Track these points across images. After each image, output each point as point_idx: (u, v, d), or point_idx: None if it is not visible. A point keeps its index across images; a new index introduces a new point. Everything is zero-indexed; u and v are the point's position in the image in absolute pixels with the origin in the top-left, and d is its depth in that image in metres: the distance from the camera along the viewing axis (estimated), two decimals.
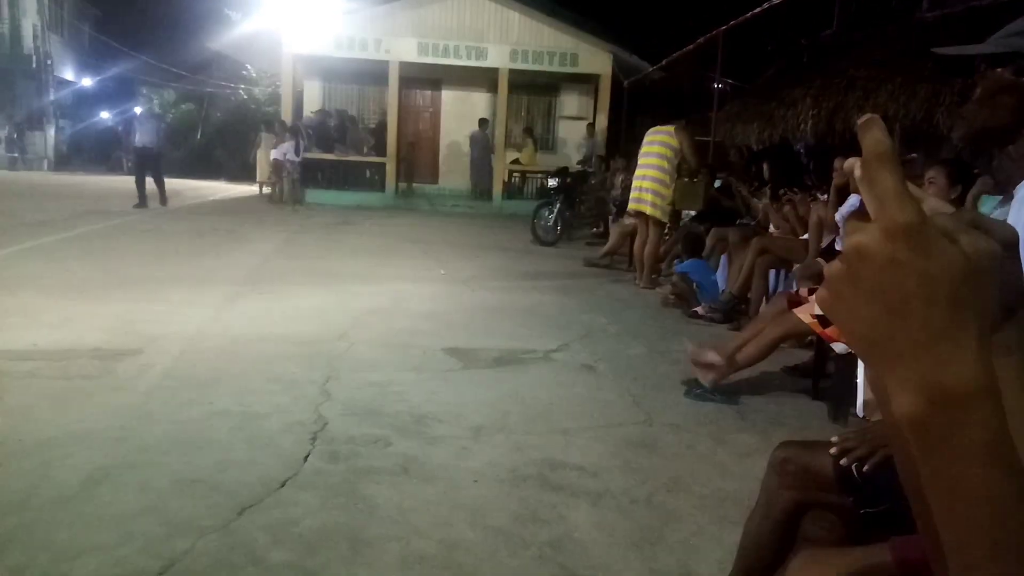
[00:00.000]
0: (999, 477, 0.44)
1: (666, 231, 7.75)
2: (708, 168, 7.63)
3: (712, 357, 3.83)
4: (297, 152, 14.65)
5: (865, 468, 1.51)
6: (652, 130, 7.37)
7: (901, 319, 0.44)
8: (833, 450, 1.57)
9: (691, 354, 3.89)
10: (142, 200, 12.53)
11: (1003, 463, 0.44)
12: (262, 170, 16.72)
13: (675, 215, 7.86)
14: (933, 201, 0.52)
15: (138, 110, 24.66)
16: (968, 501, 0.45)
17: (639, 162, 7.37)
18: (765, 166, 5.60)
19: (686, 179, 7.30)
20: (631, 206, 7.46)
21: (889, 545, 1.18)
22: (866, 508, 1.51)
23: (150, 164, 12.82)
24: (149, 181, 12.67)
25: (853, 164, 0.49)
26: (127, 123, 13.85)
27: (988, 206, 3.87)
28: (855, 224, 0.47)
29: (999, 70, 1.44)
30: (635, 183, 7.36)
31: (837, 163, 5.25)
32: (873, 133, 0.46)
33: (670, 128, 7.19)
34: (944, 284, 0.43)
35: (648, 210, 7.16)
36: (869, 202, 0.46)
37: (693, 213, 7.79)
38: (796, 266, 5.24)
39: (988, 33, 1.50)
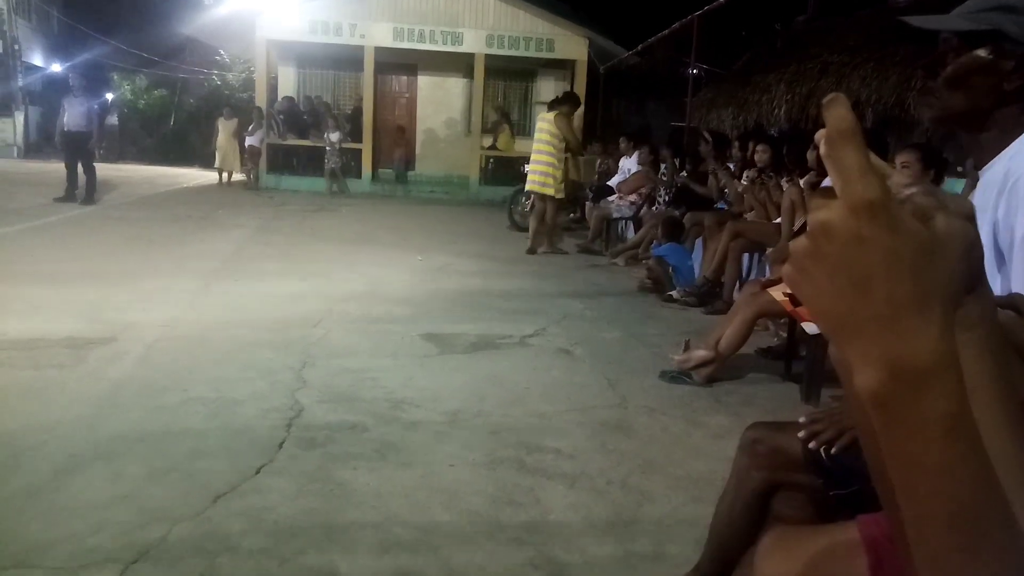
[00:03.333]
0: (959, 450, 0.45)
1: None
2: (654, 152, 8.77)
3: (700, 355, 3.86)
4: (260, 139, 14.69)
5: (833, 450, 1.53)
6: (539, 117, 8.41)
7: (864, 295, 0.44)
8: (801, 433, 1.59)
9: (679, 363, 3.90)
10: (68, 191, 11.00)
11: (963, 437, 0.45)
12: (223, 157, 15.96)
13: (575, 187, 9.69)
14: (898, 176, 0.52)
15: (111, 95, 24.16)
16: (928, 474, 0.45)
17: (533, 148, 8.51)
18: (785, 150, 5.60)
19: (581, 157, 9.19)
20: (528, 187, 8.66)
21: (856, 523, 1.20)
22: (835, 490, 1.53)
23: (80, 151, 11.08)
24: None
25: (821, 136, 0.49)
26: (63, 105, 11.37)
27: (957, 189, 3.93)
28: (820, 201, 0.47)
29: (976, 52, 1.39)
30: (530, 168, 8.53)
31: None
32: (837, 110, 0.46)
33: (550, 116, 8.28)
34: (907, 260, 0.44)
35: (541, 190, 8.36)
36: (834, 178, 0.46)
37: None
38: (769, 249, 5.28)
39: None
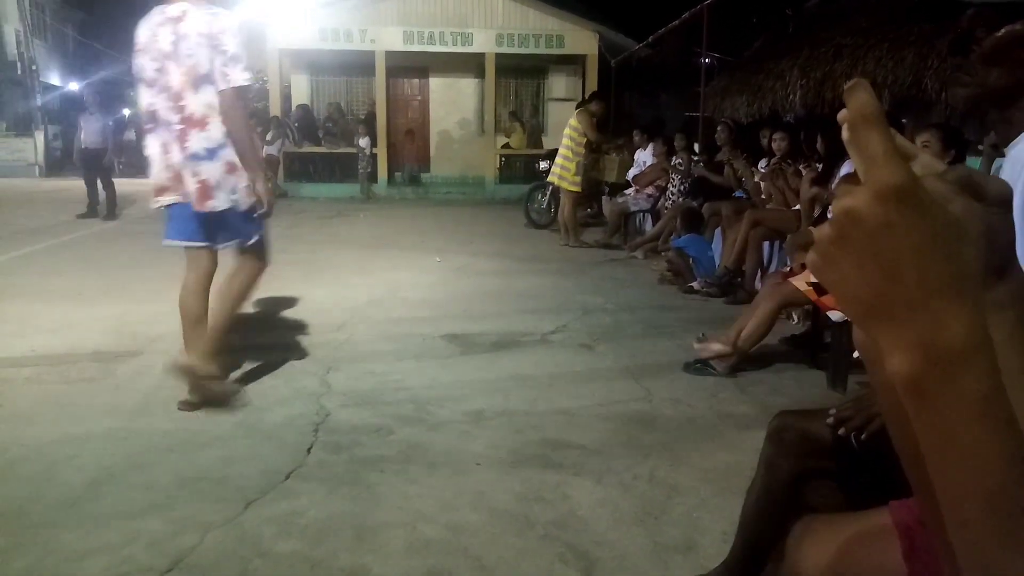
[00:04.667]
0: (993, 431, 0.44)
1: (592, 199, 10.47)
2: (667, 144, 8.79)
3: (717, 347, 3.84)
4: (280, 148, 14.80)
5: (863, 437, 1.52)
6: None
7: (894, 280, 0.44)
8: (830, 420, 1.58)
9: (698, 351, 3.90)
10: (90, 208, 11.14)
11: (997, 418, 0.45)
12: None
13: (594, 184, 10.13)
14: (925, 158, 0.52)
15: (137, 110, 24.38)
16: (963, 456, 0.45)
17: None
18: (819, 139, 5.56)
19: (607, 154, 9.59)
20: (549, 178, 9.45)
21: (888, 509, 1.19)
22: (865, 476, 1.51)
23: (98, 167, 11.14)
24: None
25: (844, 118, 0.48)
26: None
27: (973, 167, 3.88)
28: (845, 187, 0.47)
29: (1016, 25, 1.34)
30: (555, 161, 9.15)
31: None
32: (859, 95, 0.45)
33: (575, 113, 8.90)
34: (937, 244, 0.43)
35: (557, 182, 8.97)
36: (858, 164, 0.45)
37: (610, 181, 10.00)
38: (789, 236, 5.24)
39: None
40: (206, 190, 3.18)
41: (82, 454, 2.83)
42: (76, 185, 11.83)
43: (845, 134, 0.47)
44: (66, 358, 4.04)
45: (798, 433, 1.68)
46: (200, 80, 3.13)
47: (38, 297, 5.52)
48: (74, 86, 27.07)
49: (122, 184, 12.18)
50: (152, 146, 3.28)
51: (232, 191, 3.21)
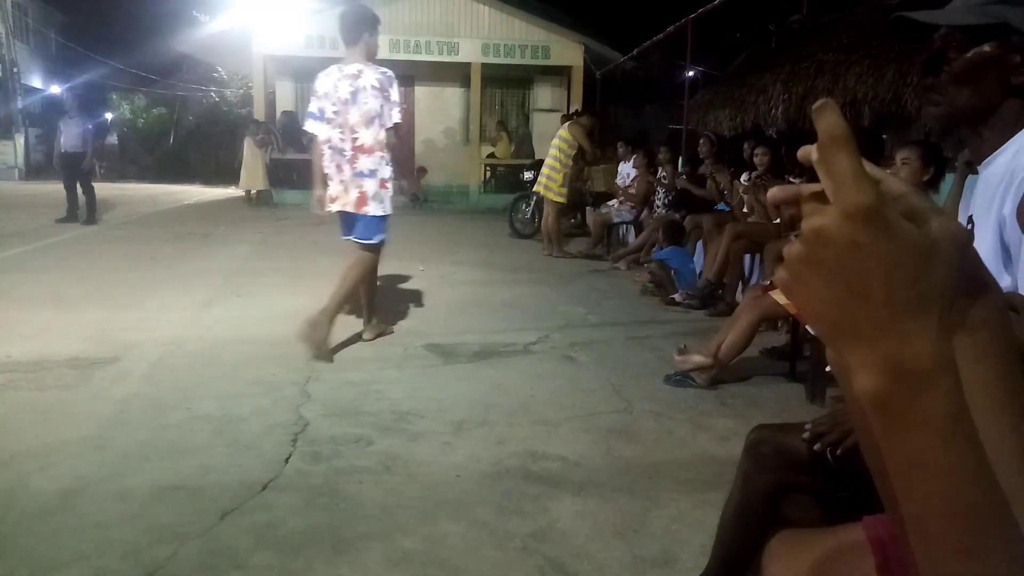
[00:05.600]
0: (958, 451, 0.45)
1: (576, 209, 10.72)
2: (648, 156, 8.96)
3: (698, 360, 3.86)
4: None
5: (838, 452, 1.53)
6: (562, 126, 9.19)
7: (862, 300, 0.44)
8: (806, 435, 1.59)
9: (678, 363, 3.92)
10: (70, 212, 11.04)
11: (962, 437, 0.45)
12: (250, 176, 15.10)
13: (578, 195, 10.18)
14: (892, 180, 0.52)
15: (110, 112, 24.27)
16: (928, 475, 0.46)
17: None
18: (784, 151, 5.61)
19: (598, 166, 9.66)
20: (535, 187, 9.47)
21: (862, 524, 1.20)
22: (840, 491, 1.52)
23: (77, 171, 11.11)
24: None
25: (809, 151, 0.49)
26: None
27: (948, 183, 3.92)
28: (814, 206, 0.47)
29: (983, 46, 1.37)
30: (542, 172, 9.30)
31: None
32: (828, 116, 0.46)
33: (566, 125, 9.07)
34: (904, 265, 0.44)
35: (543, 192, 9.03)
36: (827, 184, 0.46)
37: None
38: (767, 246, 5.27)
39: None
40: (364, 199, 4.38)
41: (56, 463, 2.80)
42: (56, 189, 11.72)
43: (814, 156, 0.48)
44: (42, 365, 3.99)
45: (775, 447, 1.69)
46: (371, 120, 4.33)
47: (14, 302, 5.46)
48: (56, 89, 26.84)
49: (102, 189, 12.08)
50: (328, 166, 4.42)
51: (380, 201, 4.41)
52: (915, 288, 0.44)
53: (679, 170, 8.55)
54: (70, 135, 11.03)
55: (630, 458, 3.02)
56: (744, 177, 6.55)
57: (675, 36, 11.06)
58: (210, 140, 24.41)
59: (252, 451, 2.97)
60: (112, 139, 26.79)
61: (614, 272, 7.80)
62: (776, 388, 4.01)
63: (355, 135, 4.34)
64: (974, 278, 0.54)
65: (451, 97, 17.20)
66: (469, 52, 15.53)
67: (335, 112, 4.34)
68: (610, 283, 7.19)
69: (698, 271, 6.29)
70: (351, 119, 4.33)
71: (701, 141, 7.65)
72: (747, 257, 5.81)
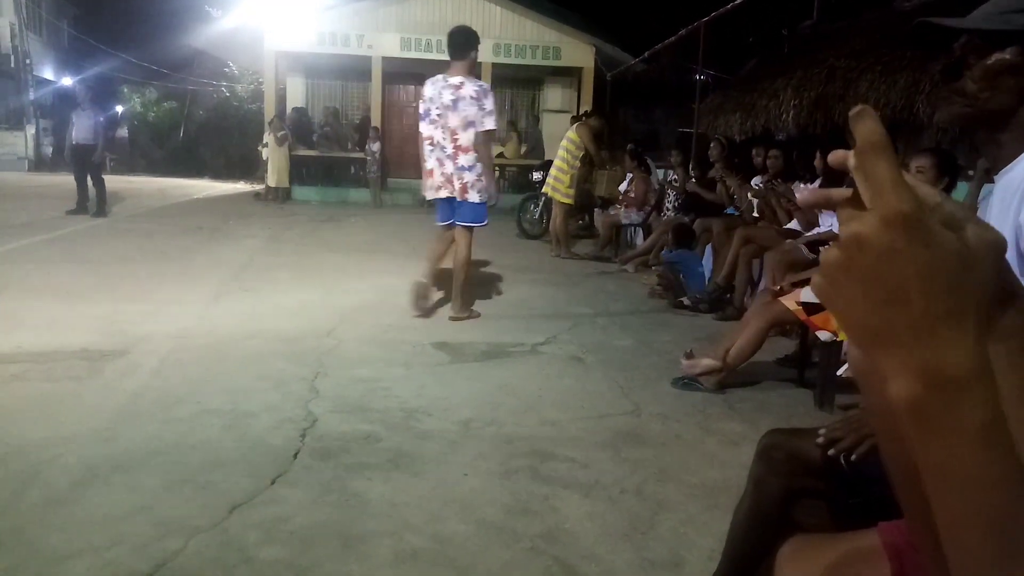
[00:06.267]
0: (995, 459, 0.45)
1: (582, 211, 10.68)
2: (636, 158, 9.09)
3: (706, 363, 3.86)
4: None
5: (853, 457, 1.52)
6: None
7: (899, 306, 0.44)
8: (820, 440, 1.59)
9: (686, 367, 3.92)
10: (79, 204, 11.05)
11: (998, 445, 0.45)
12: (277, 171, 14.80)
13: (587, 196, 10.06)
14: (926, 188, 0.52)
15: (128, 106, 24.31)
16: (964, 483, 0.46)
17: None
18: (818, 156, 5.60)
19: (609, 168, 9.46)
20: (544, 189, 9.53)
21: (877, 530, 1.20)
22: (854, 497, 1.52)
23: (87, 163, 11.09)
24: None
25: (845, 156, 0.49)
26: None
27: (962, 192, 3.91)
28: (851, 212, 0.47)
29: (1005, 54, 1.37)
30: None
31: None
32: (866, 123, 0.46)
33: (575, 126, 9.16)
34: (942, 272, 0.44)
35: (551, 193, 9.15)
36: (865, 191, 0.46)
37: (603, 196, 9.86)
38: (768, 253, 5.23)
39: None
40: (465, 188, 5.13)
41: (67, 454, 2.81)
42: (66, 180, 11.77)
43: (852, 161, 0.48)
44: (53, 356, 4.01)
45: (788, 452, 1.69)
46: (468, 124, 5.07)
47: (25, 293, 5.48)
48: (67, 81, 26.96)
49: (112, 182, 12.11)
50: (430, 161, 5.19)
51: (479, 191, 5.16)
52: (953, 296, 0.44)
53: (689, 173, 8.53)
54: (82, 127, 11.07)
55: (638, 460, 3.02)
56: (755, 181, 6.54)
57: (686, 39, 11.05)
58: (220, 135, 24.43)
59: (261, 446, 2.98)
60: (123, 132, 26.85)
61: (622, 274, 7.80)
62: (784, 393, 4.00)
63: (455, 136, 5.09)
64: (1004, 285, 0.54)
65: (427, 81, 17.17)
66: (480, 52, 15.51)
67: (438, 115, 5.10)
68: (618, 285, 7.18)
69: (707, 275, 6.29)
70: (451, 123, 5.07)
71: (712, 145, 7.65)
72: (756, 262, 5.80)
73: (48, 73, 27.75)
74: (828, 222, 5.30)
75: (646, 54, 14.55)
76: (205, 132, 25.62)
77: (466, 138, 5.08)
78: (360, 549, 2.26)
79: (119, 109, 27.08)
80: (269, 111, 15.73)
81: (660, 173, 9.86)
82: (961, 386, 0.44)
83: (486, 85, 5.22)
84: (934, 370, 0.44)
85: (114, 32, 28.77)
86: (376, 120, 15.67)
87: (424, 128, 5.19)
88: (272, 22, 15.09)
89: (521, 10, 15.63)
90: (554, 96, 17.24)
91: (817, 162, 5.65)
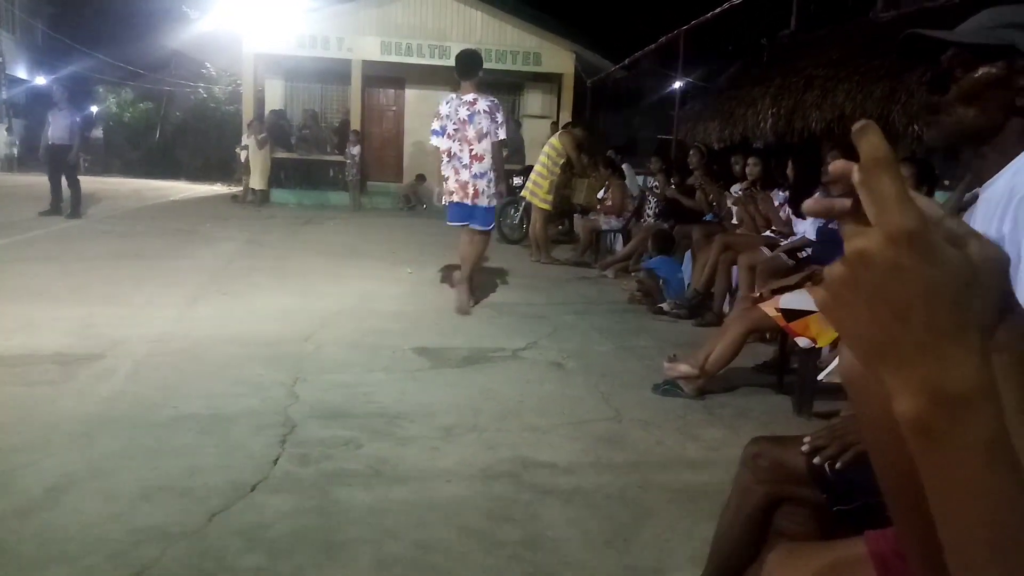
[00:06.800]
0: (999, 474, 0.45)
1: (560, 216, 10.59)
2: (610, 166, 9.09)
3: (684, 369, 3.88)
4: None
5: (838, 465, 1.53)
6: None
7: (904, 322, 0.44)
8: (805, 448, 1.59)
9: (667, 371, 3.94)
10: (53, 204, 10.88)
11: (1002, 461, 0.45)
12: (258, 174, 14.70)
13: (566, 202, 9.86)
14: (929, 203, 0.52)
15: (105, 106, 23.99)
16: (969, 498, 0.46)
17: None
18: (789, 164, 5.65)
19: (590, 177, 9.36)
20: (523, 193, 9.77)
21: (864, 538, 1.20)
22: (839, 505, 1.53)
23: (63, 164, 10.92)
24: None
25: (847, 168, 0.49)
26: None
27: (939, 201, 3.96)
28: (856, 228, 0.47)
29: (991, 67, 1.40)
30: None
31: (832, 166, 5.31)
32: (870, 138, 0.46)
33: (558, 133, 9.48)
34: (947, 288, 0.44)
35: (529, 198, 9.32)
36: (869, 206, 0.46)
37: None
38: (761, 263, 5.27)
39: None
40: (478, 194, 5.73)
41: (41, 460, 2.76)
42: (39, 181, 11.59)
43: (855, 177, 0.48)
44: (27, 360, 3.94)
45: (773, 460, 1.70)
46: (482, 136, 5.68)
47: None
48: (42, 80, 26.56)
49: (86, 182, 11.96)
50: (446, 170, 5.78)
51: (490, 197, 5.79)
52: (957, 312, 0.44)
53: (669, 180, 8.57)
54: (58, 127, 10.92)
55: (620, 466, 3.02)
56: (735, 188, 6.59)
57: (667, 47, 11.13)
58: (197, 136, 24.24)
59: (240, 452, 2.95)
60: (98, 133, 26.51)
61: (602, 280, 7.82)
62: (764, 399, 4.03)
63: (471, 147, 5.67)
64: (1005, 300, 0.54)
65: (441, 100, 17.18)
66: None
67: (455, 129, 5.70)
68: (598, 291, 7.20)
69: (686, 281, 6.32)
70: (468, 135, 5.67)
71: (691, 152, 7.70)
72: (735, 269, 5.83)
73: (22, 72, 27.34)
74: (802, 230, 5.35)
75: (626, 61, 14.65)
76: (182, 134, 25.39)
77: (481, 148, 5.65)
78: (341, 556, 2.24)
79: (93, 109, 26.74)
80: (248, 113, 15.63)
81: (640, 180, 9.90)
82: (966, 402, 0.44)
83: (496, 100, 5.80)
84: (939, 387, 0.44)
85: (90, 32, 28.36)
86: (356, 123, 15.62)
87: (440, 142, 5.75)
88: (251, 24, 15.00)
89: (502, 15, 15.66)
90: (534, 102, 17.28)
91: (789, 171, 5.70)
